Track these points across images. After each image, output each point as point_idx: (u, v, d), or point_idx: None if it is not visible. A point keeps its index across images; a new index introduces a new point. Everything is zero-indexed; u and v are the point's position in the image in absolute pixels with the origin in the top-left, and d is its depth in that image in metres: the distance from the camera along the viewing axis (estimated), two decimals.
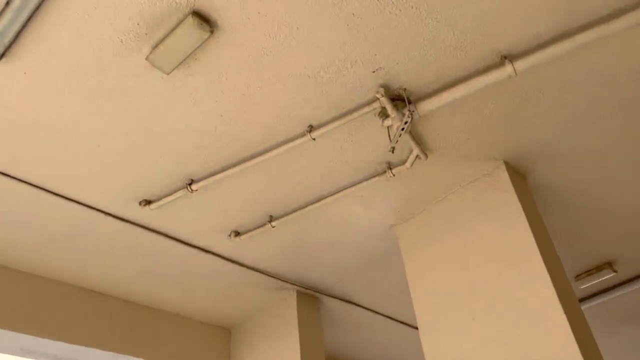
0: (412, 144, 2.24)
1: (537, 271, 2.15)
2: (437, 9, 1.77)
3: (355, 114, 2.08)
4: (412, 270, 2.64)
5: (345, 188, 2.50)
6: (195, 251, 2.79)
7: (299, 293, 3.33)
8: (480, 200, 2.49)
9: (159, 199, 2.41)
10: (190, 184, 2.33)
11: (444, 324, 2.38)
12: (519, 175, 2.51)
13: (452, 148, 2.37)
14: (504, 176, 2.43)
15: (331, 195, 2.53)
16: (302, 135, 2.16)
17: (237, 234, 2.71)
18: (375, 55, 1.90)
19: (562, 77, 2.08)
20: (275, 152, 2.22)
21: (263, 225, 2.65)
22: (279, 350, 3.22)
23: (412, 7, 1.75)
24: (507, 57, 1.94)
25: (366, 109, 2.06)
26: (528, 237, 2.24)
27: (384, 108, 2.09)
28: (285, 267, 3.08)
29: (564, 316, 2.00)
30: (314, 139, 2.16)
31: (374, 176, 2.44)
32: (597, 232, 3.14)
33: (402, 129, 2.05)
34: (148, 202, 2.42)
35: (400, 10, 1.75)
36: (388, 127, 2.19)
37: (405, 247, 2.73)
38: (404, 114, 2.05)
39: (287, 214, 2.61)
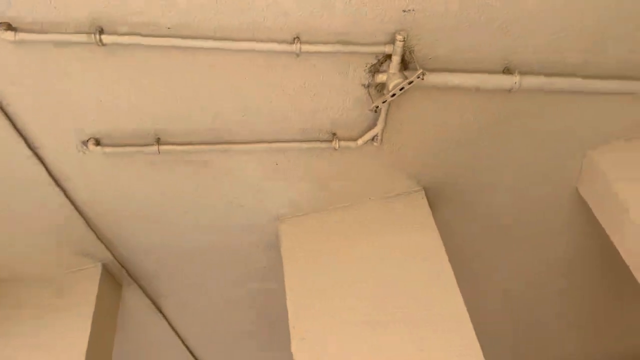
0: (383, 117, 1.97)
1: (449, 289, 2.05)
2: None
3: (357, 48, 1.75)
4: (293, 271, 2.21)
5: (274, 142, 2.03)
6: (20, 146, 1.86)
7: (105, 270, 2.46)
8: (391, 215, 2.31)
9: (37, 30, 1.56)
10: (101, 32, 1.59)
11: (326, 329, 2.04)
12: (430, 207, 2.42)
13: (398, 148, 2.15)
14: (422, 201, 2.33)
15: (252, 143, 2.01)
16: (285, 42, 1.71)
17: (97, 143, 1.92)
18: None
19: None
20: (233, 44, 1.67)
21: (146, 145, 1.93)
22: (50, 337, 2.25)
23: None
24: (515, 70, 1.91)
25: (374, 49, 1.75)
26: (441, 254, 2.15)
27: (383, 58, 1.81)
28: (116, 225, 2.28)
29: (474, 335, 1.91)
30: (297, 55, 1.72)
31: (315, 141, 2.05)
32: None
33: (402, 88, 1.78)
34: (12, 28, 1.55)
35: None
36: (368, 86, 1.90)
37: (289, 247, 2.30)
38: (406, 76, 1.80)
39: (185, 144, 1.97)
